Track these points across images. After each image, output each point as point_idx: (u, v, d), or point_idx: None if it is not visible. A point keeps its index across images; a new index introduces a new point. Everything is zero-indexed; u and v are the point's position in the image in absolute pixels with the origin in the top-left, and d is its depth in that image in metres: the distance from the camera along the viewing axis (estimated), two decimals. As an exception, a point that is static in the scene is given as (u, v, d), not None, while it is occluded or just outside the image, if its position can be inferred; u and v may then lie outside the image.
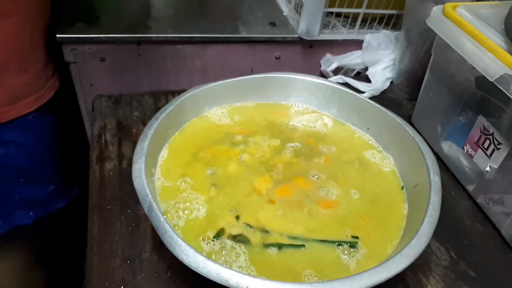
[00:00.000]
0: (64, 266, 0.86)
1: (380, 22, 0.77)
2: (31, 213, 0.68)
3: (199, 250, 0.34)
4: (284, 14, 0.80)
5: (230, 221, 0.42)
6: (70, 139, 0.81)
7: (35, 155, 0.67)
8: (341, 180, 0.48)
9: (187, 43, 0.71)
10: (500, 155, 0.49)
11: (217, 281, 0.32)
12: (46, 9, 0.63)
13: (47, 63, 0.65)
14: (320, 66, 0.78)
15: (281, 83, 0.56)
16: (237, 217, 0.42)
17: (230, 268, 0.33)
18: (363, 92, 0.71)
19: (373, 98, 0.70)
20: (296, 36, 0.74)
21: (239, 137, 0.52)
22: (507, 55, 0.44)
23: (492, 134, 0.50)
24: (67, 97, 0.74)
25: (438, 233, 0.44)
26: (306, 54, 0.78)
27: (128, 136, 0.58)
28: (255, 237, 0.41)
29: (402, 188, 0.48)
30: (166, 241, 0.34)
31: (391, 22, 0.77)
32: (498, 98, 0.48)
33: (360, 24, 0.75)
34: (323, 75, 0.78)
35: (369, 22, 0.78)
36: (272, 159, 0.49)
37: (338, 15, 0.79)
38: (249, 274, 0.33)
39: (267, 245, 0.40)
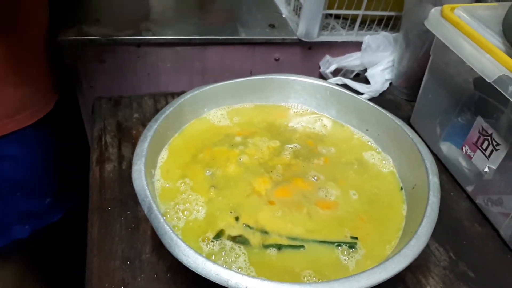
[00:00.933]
0: (63, 269, 0.86)
1: (379, 24, 0.78)
2: (27, 227, 0.67)
3: (198, 251, 0.34)
4: (283, 16, 0.80)
5: (229, 222, 0.42)
6: (70, 141, 0.81)
7: (32, 168, 0.66)
8: (340, 181, 0.48)
9: (186, 45, 0.71)
10: (498, 156, 0.49)
11: (217, 282, 0.32)
12: (45, 21, 0.62)
13: (46, 76, 0.64)
14: (319, 68, 0.79)
15: (280, 85, 0.56)
16: (237, 218, 0.42)
17: (230, 268, 0.33)
18: (362, 94, 0.71)
19: (372, 99, 0.70)
20: (295, 37, 0.74)
21: (238, 139, 0.52)
22: (505, 57, 0.45)
23: (490, 135, 0.50)
24: (67, 99, 0.75)
25: (437, 234, 0.45)
26: (305, 55, 0.78)
27: (128, 137, 0.58)
28: (255, 238, 0.41)
29: (401, 189, 0.48)
30: (166, 242, 0.34)
31: (390, 24, 0.77)
32: (496, 99, 0.48)
33: (359, 26, 0.75)
34: (322, 77, 0.78)
35: (368, 23, 0.78)
36: (271, 160, 0.50)
37: (337, 16, 0.79)
38: (248, 275, 0.33)
39: (266, 246, 0.40)
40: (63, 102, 0.68)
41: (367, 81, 0.73)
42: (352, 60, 0.76)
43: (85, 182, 0.53)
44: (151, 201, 0.37)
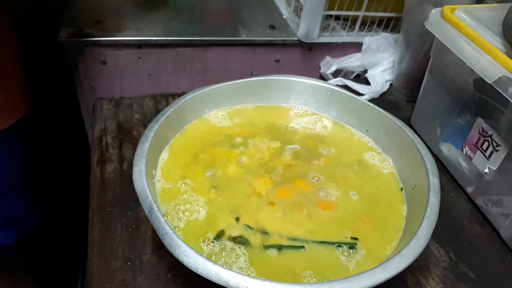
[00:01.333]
0: (54, 274, 0.85)
1: (379, 25, 0.78)
2: (11, 231, 0.66)
3: (199, 252, 0.34)
4: (284, 17, 0.80)
5: (230, 222, 0.42)
6: (70, 141, 0.81)
7: (10, 172, 0.65)
8: (340, 181, 0.48)
9: (187, 46, 0.71)
10: (498, 157, 0.49)
11: (217, 282, 0.32)
12: (13, 32, 0.61)
13: (18, 83, 0.63)
14: (320, 69, 0.79)
15: (280, 86, 0.56)
16: (237, 219, 0.42)
17: (230, 269, 0.33)
18: (362, 95, 0.71)
19: (372, 100, 0.70)
20: (295, 38, 0.74)
21: (238, 139, 0.52)
22: (505, 58, 0.45)
23: (490, 136, 0.50)
24: (68, 100, 0.75)
25: (437, 235, 0.45)
26: (306, 56, 0.78)
27: (128, 138, 0.59)
28: (255, 239, 0.41)
29: (401, 189, 0.48)
30: (167, 242, 0.34)
31: (390, 25, 0.77)
32: (497, 100, 0.48)
33: (359, 27, 0.76)
34: (323, 78, 0.79)
35: (368, 24, 0.78)
36: (272, 161, 0.50)
37: (337, 18, 0.79)
38: (249, 275, 0.33)
39: (267, 247, 0.40)
40: (40, 109, 0.67)
41: (367, 82, 0.73)
42: (352, 61, 0.76)
43: (85, 182, 0.53)
44: (152, 201, 0.37)
